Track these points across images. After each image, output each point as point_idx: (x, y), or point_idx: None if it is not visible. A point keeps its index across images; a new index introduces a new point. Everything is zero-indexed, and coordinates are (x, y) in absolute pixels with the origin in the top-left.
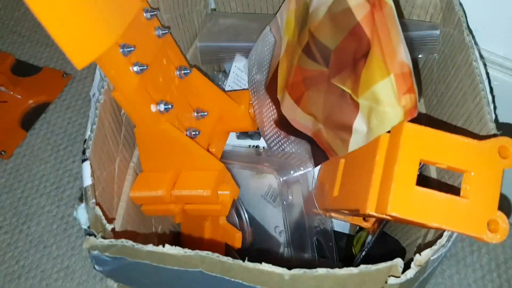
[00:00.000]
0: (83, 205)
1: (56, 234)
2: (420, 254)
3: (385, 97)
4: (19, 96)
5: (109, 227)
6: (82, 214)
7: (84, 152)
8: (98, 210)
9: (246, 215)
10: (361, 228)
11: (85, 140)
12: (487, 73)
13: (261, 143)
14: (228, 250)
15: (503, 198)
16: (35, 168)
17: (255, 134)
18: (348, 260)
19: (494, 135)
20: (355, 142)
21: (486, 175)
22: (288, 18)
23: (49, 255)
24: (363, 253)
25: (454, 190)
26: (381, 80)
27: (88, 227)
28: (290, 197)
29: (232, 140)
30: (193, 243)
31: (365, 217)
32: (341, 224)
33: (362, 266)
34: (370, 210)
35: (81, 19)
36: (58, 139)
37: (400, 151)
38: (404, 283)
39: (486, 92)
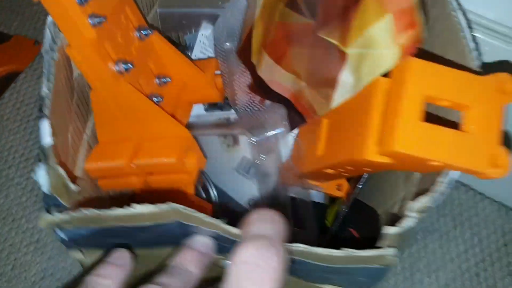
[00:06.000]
0: (43, 165)
1: (25, 207)
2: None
3: (380, 39)
4: None
5: (75, 189)
6: (42, 176)
7: (41, 109)
8: (61, 170)
9: (215, 192)
10: (332, 201)
11: (41, 97)
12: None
13: (233, 114)
14: None
15: (505, 137)
16: (3, 139)
17: (226, 105)
18: (321, 231)
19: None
20: (340, 95)
21: (487, 110)
22: None
23: (18, 228)
24: (339, 221)
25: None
26: (376, 22)
27: (50, 192)
28: (263, 167)
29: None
30: None
31: (338, 186)
32: (314, 195)
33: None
34: (369, 154)
35: None
36: (28, 109)
37: (406, 87)
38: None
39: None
